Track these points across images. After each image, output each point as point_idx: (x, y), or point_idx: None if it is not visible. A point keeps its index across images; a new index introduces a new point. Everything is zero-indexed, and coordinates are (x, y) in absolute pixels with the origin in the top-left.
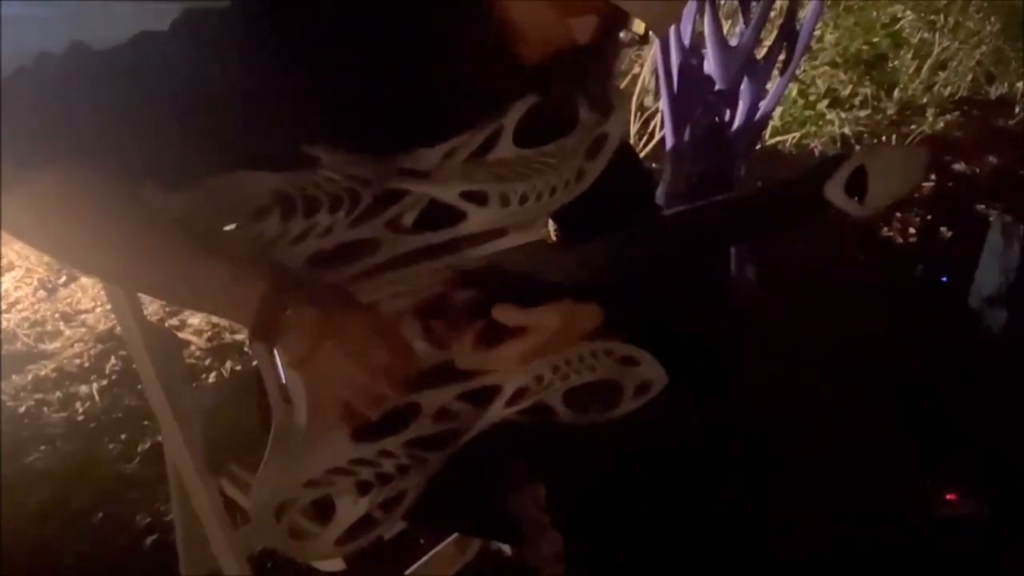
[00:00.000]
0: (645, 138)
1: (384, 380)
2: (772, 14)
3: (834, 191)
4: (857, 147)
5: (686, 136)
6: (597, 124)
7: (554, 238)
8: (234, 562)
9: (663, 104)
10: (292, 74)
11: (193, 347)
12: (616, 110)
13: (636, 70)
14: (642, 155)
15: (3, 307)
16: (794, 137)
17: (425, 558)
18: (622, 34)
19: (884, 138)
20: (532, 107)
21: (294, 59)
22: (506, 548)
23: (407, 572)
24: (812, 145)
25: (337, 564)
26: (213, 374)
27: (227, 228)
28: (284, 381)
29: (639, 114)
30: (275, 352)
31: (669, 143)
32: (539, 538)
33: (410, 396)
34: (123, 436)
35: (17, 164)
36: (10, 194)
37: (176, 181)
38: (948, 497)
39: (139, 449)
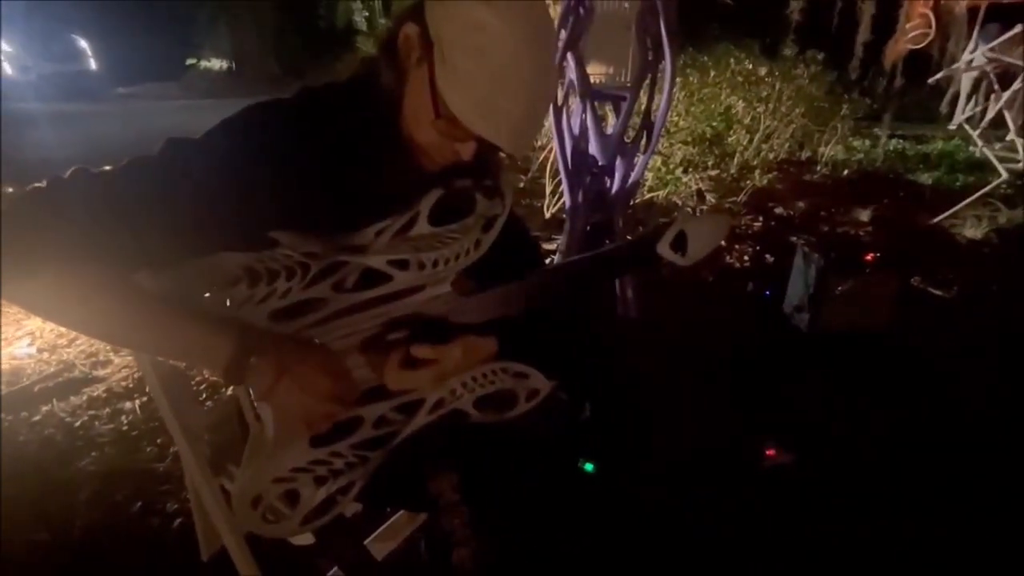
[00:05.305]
0: (557, 196)
1: (330, 402)
2: (639, 107)
3: (664, 248)
4: (679, 212)
5: (579, 198)
6: (490, 207)
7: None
8: (233, 539)
9: (562, 175)
10: (259, 188)
11: None
12: (504, 197)
13: (552, 145)
14: (554, 209)
15: (65, 343)
16: (663, 193)
17: (381, 528)
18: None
19: (727, 192)
20: (443, 196)
21: (260, 179)
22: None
23: (366, 540)
24: (675, 199)
25: (307, 538)
26: (230, 389)
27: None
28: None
29: (552, 179)
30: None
31: (568, 203)
32: (452, 512)
33: (354, 410)
34: (158, 440)
35: (36, 265)
36: (34, 286)
37: (164, 266)
38: (767, 451)
39: (170, 451)
